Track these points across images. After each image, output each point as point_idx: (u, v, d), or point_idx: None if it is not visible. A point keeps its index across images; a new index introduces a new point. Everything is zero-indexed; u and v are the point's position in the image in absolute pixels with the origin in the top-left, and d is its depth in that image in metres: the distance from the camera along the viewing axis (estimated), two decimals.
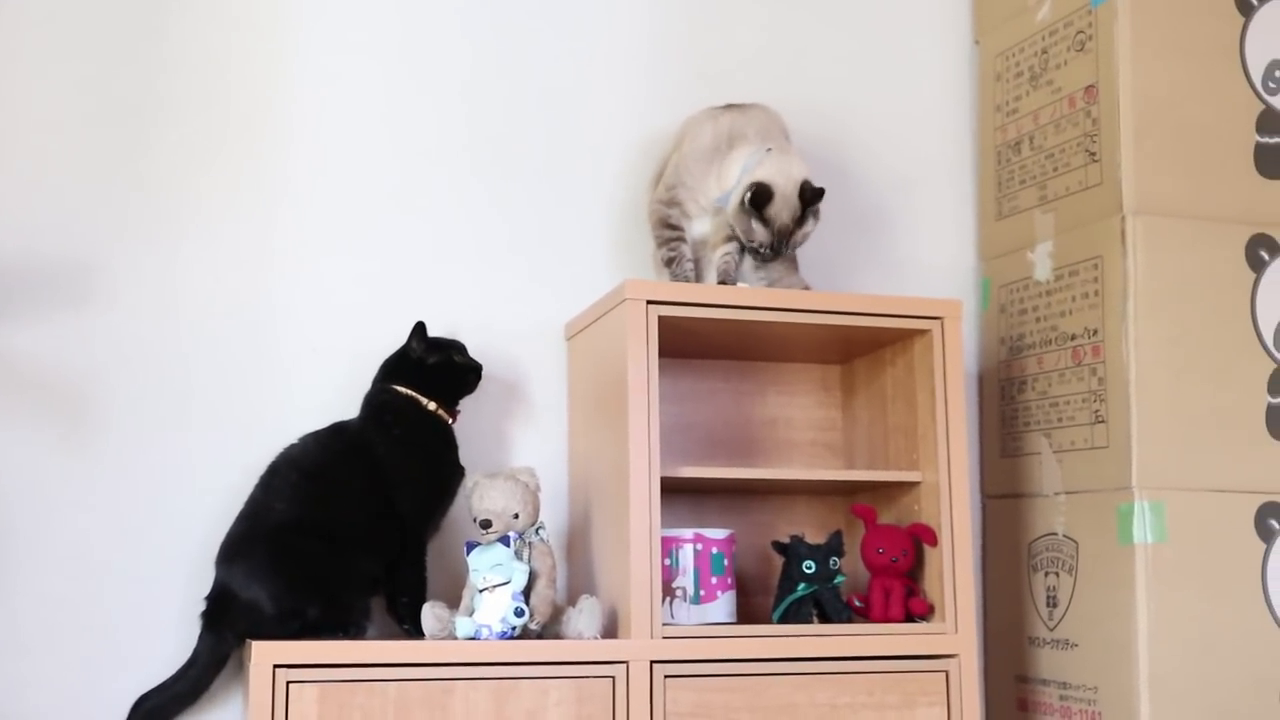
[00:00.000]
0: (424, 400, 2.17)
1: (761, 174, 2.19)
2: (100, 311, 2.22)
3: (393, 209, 2.38)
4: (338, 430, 2.17)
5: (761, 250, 2.20)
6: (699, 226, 2.26)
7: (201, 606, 2.08)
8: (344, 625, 2.02)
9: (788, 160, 2.22)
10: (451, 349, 2.21)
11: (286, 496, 2.08)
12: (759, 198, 2.17)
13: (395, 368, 2.20)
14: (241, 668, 2.10)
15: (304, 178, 2.35)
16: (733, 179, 2.21)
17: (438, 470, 2.16)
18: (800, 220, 2.19)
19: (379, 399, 2.19)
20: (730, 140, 2.26)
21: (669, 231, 2.29)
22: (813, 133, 2.56)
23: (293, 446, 2.14)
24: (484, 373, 2.23)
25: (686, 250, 2.27)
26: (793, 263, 2.36)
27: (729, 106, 2.32)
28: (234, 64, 2.34)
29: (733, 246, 2.25)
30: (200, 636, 2.07)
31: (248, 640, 1.99)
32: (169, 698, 2.07)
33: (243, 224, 2.30)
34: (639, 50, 2.53)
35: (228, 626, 2.05)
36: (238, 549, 2.07)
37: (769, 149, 2.21)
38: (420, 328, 2.20)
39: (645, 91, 2.51)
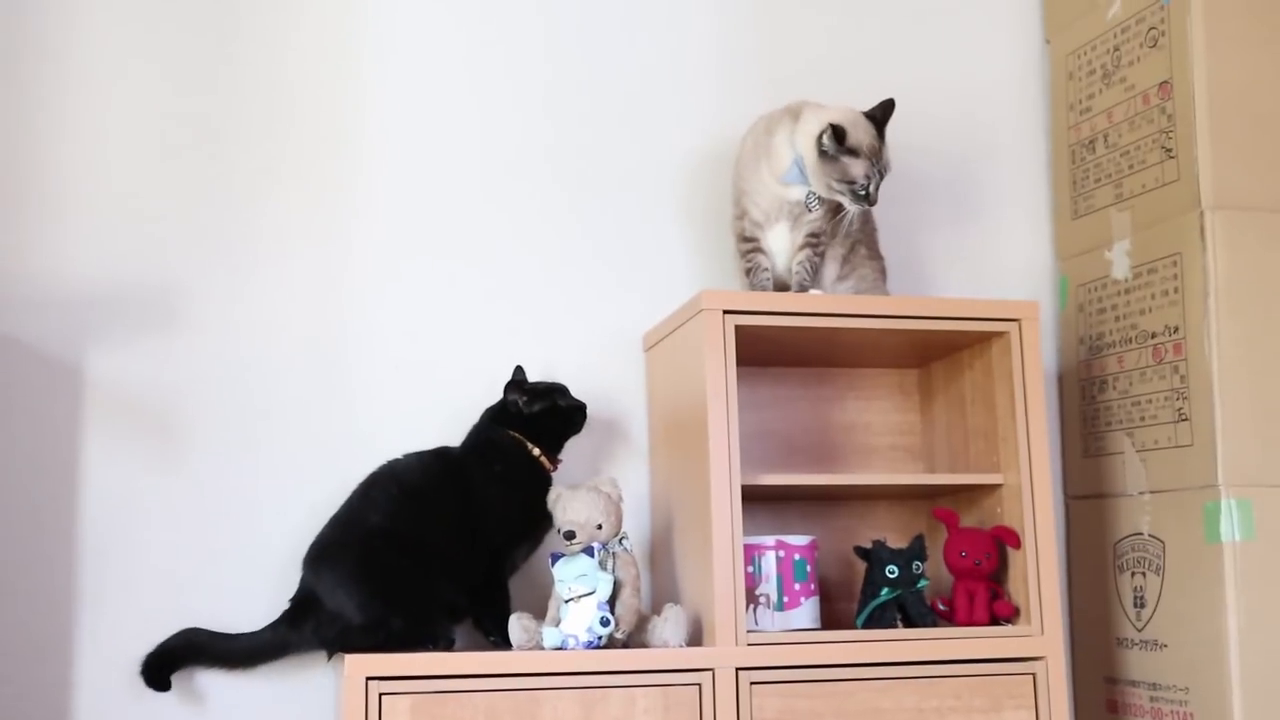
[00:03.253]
0: (529, 445, 2.19)
1: (817, 122, 2.20)
2: (184, 333, 2.27)
3: (471, 223, 2.41)
4: (440, 454, 2.20)
5: (862, 187, 2.19)
6: (774, 236, 2.27)
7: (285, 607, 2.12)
8: (430, 637, 2.04)
9: (829, 109, 2.23)
10: (554, 393, 2.22)
11: (382, 508, 2.11)
12: (838, 133, 2.17)
13: (499, 416, 2.22)
14: (335, 678, 2.14)
15: (382, 195, 2.39)
16: (785, 155, 2.23)
17: (530, 512, 2.16)
18: (881, 137, 2.19)
19: (485, 435, 2.21)
20: (768, 129, 2.28)
21: (745, 244, 2.31)
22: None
23: (396, 461, 2.18)
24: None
25: (763, 260, 2.28)
26: (880, 274, 2.36)
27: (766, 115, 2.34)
28: (309, 88, 2.38)
29: (805, 254, 2.26)
30: (276, 621, 2.10)
31: (336, 652, 2.03)
32: (215, 645, 2.11)
33: (322, 241, 2.35)
34: (711, 59, 2.55)
35: (310, 629, 2.08)
36: (327, 553, 2.10)
37: (804, 108, 2.24)
38: (518, 376, 2.22)
39: (717, 99, 2.53)
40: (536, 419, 2.20)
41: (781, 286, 2.30)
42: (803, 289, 2.26)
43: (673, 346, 2.26)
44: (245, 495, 2.25)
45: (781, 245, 2.28)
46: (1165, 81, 2.33)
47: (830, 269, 2.32)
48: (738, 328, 2.10)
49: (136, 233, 2.28)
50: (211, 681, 2.18)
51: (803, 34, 2.61)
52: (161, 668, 2.09)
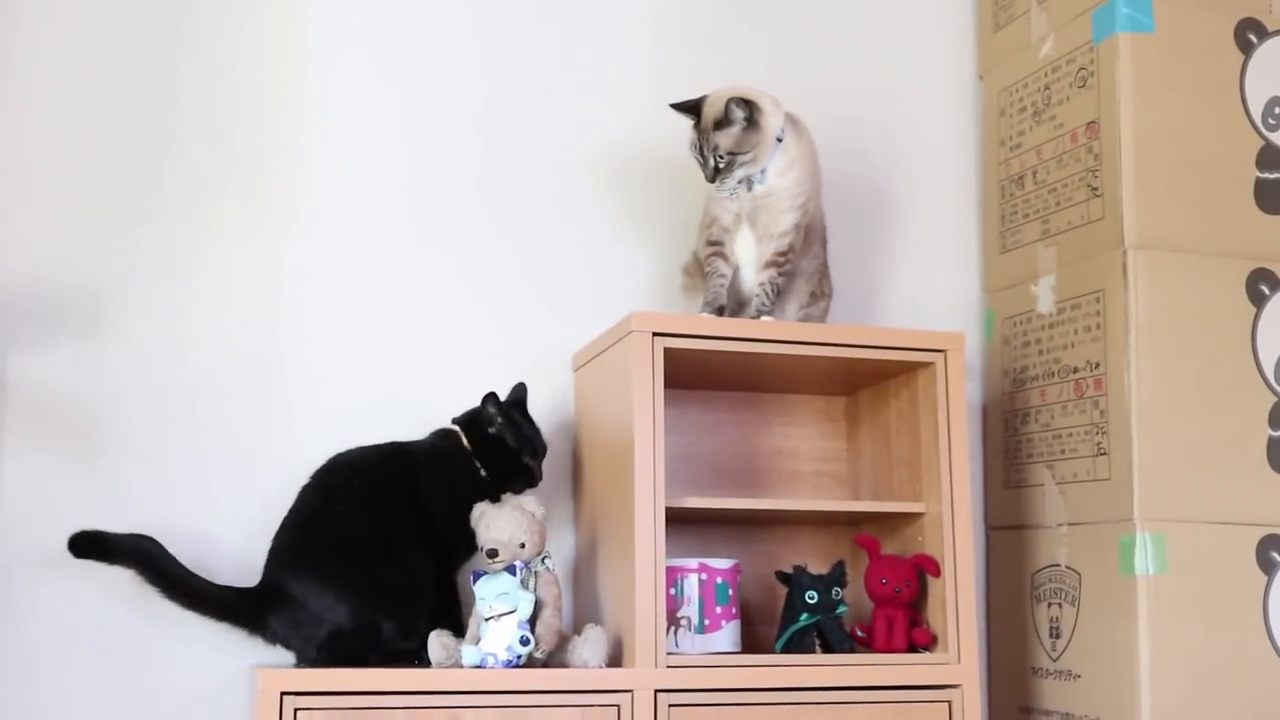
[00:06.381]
0: (479, 466, 2.19)
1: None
2: (111, 341, 2.25)
3: (403, 240, 2.41)
4: (393, 448, 2.20)
5: (695, 155, 2.23)
6: (741, 242, 2.28)
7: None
8: (413, 636, 2.04)
9: (738, 85, 2.24)
10: (524, 450, 2.21)
11: (347, 502, 2.10)
12: (692, 102, 2.23)
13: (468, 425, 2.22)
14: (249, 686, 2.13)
15: (314, 208, 2.38)
16: None
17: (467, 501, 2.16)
18: (719, 123, 2.19)
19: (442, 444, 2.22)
20: None
21: (709, 247, 2.29)
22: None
23: (347, 452, 2.17)
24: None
25: (722, 265, 2.27)
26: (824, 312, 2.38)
27: None
28: (245, 97, 2.37)
29: (769, 274, 2.25)
30: (241, 589, 2.10)
31: (321, 656, 2.03)
32: (165, 565, 2.07)
33: (253, 254, 2.34)
34: (646, 86, 2.56)
35: (282, 625, 2.06)
36: (305, 554, 2.08)
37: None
38: (518, 393, 2.26)
39: (653, 125, 2.54)
40: (492, 448, 2.19)
41: (740, 300, 2.30)
42: (759, 314, 2.24)
43: (601, 367, 2.26)
44: (170, 507, 2.23)
45: (747, 253, 2.29)
46: (1093, 121, 2.37)
47: (797, 297, 2.33)
48: (667, 350, 2.10)
49: (63, 237, 2.25)
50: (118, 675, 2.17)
51: (734, 64, 2.61)
52: (94, 547, 2.06)
